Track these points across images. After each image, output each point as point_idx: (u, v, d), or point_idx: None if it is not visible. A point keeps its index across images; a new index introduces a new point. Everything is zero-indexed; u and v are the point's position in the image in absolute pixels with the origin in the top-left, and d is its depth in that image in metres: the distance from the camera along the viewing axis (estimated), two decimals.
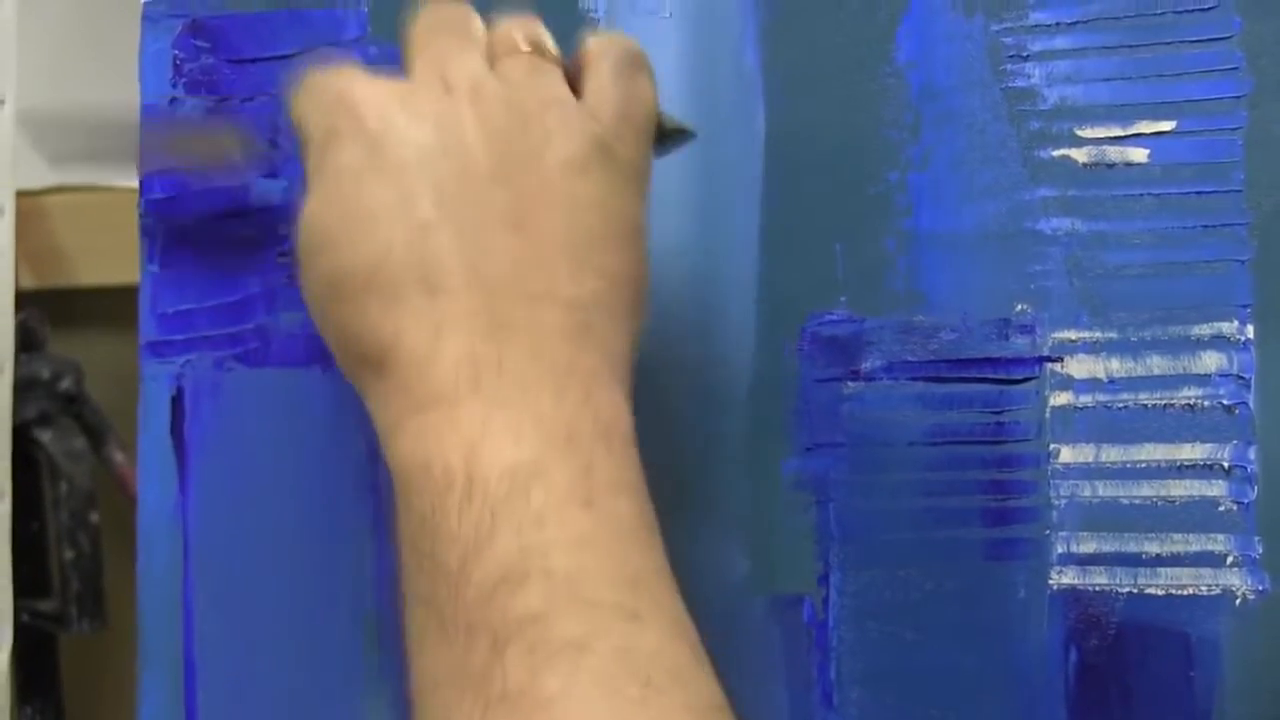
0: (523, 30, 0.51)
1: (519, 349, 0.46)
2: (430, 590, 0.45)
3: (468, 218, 0.47)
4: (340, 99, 0.49)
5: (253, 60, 0.64)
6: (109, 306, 0.88)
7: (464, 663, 0.43)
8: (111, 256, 0.84)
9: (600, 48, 0.52)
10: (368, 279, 0.47)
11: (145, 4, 0.66)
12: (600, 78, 0.51)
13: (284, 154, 0.64)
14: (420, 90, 0.49)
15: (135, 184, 0.66)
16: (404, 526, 0.46)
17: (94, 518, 1.00)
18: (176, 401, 0.64)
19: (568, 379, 0.46)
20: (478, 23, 0.52)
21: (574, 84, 0.51)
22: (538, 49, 0.51)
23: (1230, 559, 0.54)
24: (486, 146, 0.48)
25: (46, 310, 1.02)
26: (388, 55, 0.62)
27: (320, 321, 0.50)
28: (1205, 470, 0.54)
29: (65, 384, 1.02)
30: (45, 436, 1.00)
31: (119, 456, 1.02)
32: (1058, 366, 0.56)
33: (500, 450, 0.44)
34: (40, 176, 1.05)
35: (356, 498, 0.62)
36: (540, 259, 0.47)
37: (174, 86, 0.65)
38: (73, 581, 0.99)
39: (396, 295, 0.47)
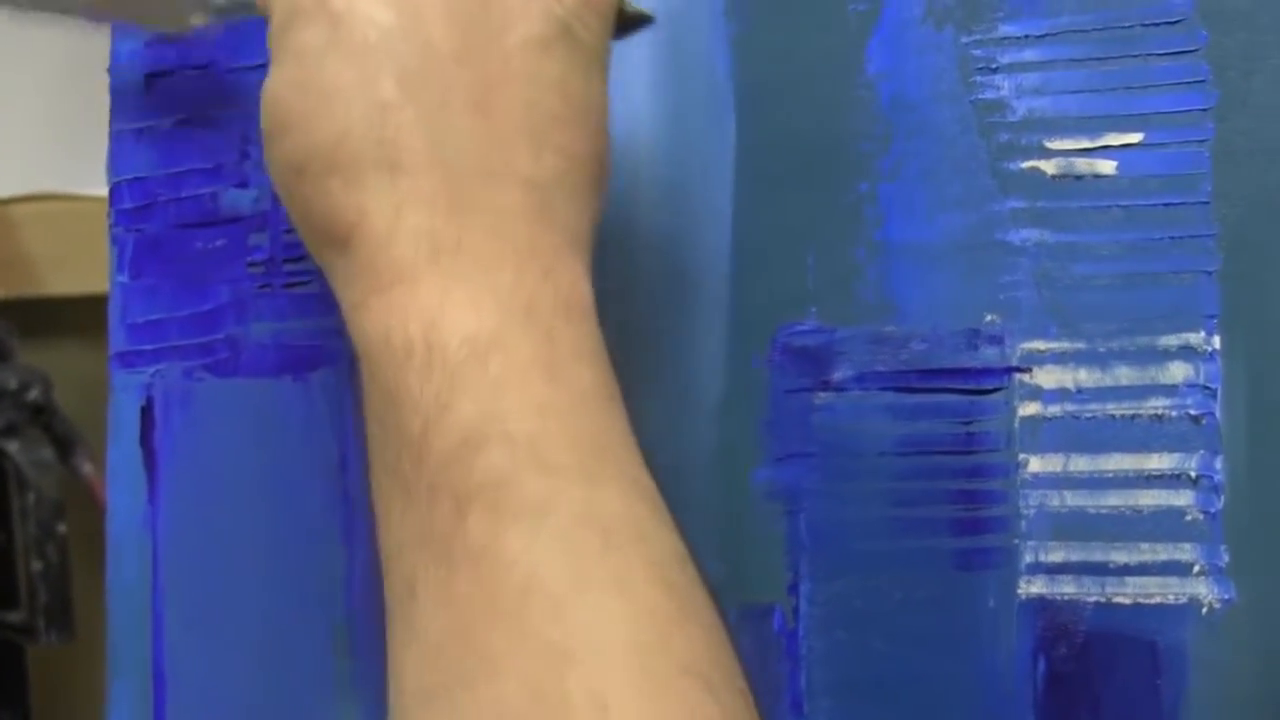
0: None
1: (479, 227, 0.47)
2: (395, 460, 0.45)
3: (429, 98, 0.47)
4: None
5: (225, 72, 0.64)
6: (78, 316, 0.88)
7: (427, 526, 0.44)
8: (80, 266, 0.85)
9: None
10: (330, 159, 0.48)
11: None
12: None
13: (254, 163, 0.64)
14: None
15: (105, 193, 0.66)
16: (368, 401, 0.47)
17: (62, 529, 1.00)
18: (146, 412, 0.64)
19: (527, 255, 0.47)
20: None
21: None
22: None
23: (1197, 568, 0.54)
24: (448, 26, 0.48)
25: (14, 320, 1.02)
26: None
27: (285, 201, 0.50)
28: (1172, 480, 0.55)
29: (33, 394, 1.02)
30: (13, 447, 1.00)
31: (87, 467, 1.02)
32: (1026, 377, 0.56)
33: (459, 321, 0.45)
34: (7, 185, 1.04)
35: (327, 507, 0.62)
36: (501, 138, 0.48)
37: (143, 103, 0.65)
38: (40, 593, 0.99)
39: (358, 175, 0.47)
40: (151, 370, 0.64)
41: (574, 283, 0.47)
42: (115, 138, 0.66)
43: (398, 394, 0.45)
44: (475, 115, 0.48)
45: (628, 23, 0.54)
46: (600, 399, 0.46)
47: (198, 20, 0.61)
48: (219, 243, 0.64)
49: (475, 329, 0.45)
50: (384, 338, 0.46)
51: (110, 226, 0.65)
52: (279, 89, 0.49)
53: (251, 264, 0.63)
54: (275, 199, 0.63)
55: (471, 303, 0.45)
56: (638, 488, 0.45)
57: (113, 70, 0.66)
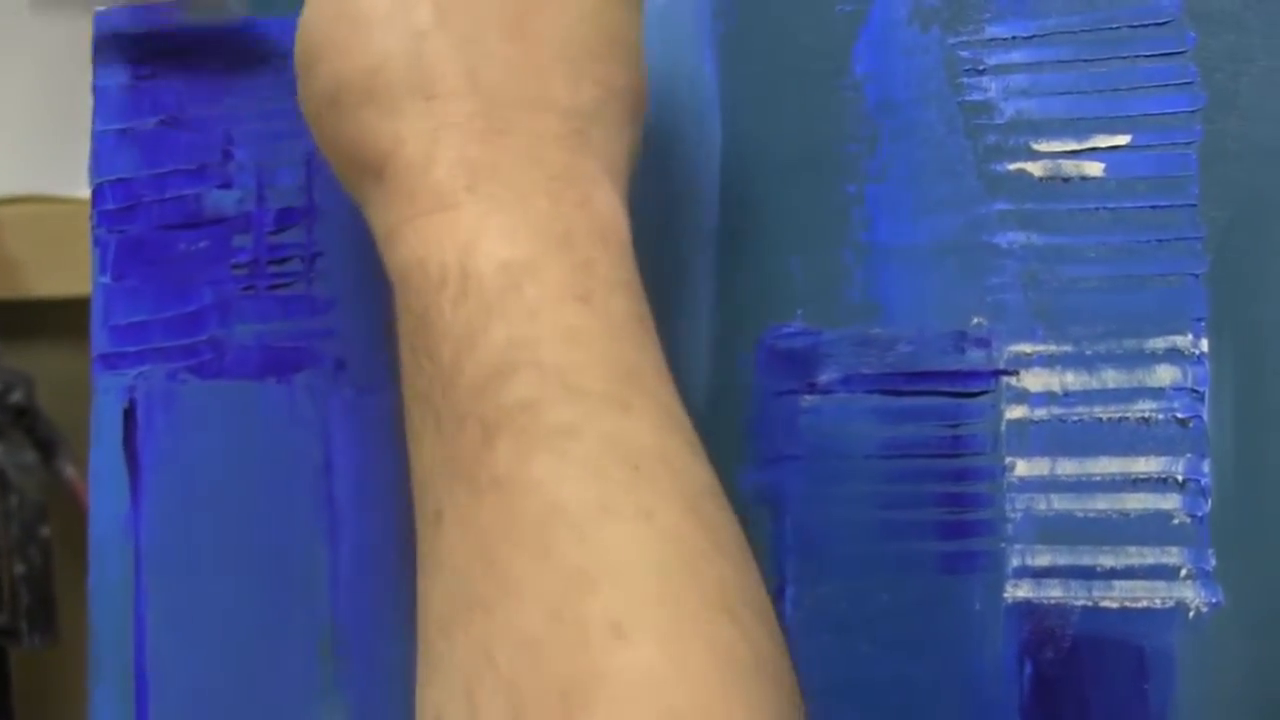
0: None
1: (515, 153, 0.46)
2: (425, 387, 0.45)
3: (465, 25, 0.47)
4: None
5: (208, 72, 0.64)
6: (60, 318, 0.88)
7: (455, 452, 0.43)
8: (63, 268, 0.84)
9: None
10: (365, 87, 0.47)
11: (96, 14, 0.66)
12: None
13: (237, 164, 0.63)
14: None
15: (87, 194, 0.65)
16: (401, 328, 0.47)
17: (45, 531, 0.99)
18: (129, 414, 0.64)
19: (564, 183, 0.47)
20: None
21: None
22: None
23: (1184, 572, 0.54)
24: None
25: None
26: None
27: (318, 133, 0.50)
28: (1159, 484, 0.54)
29: (16, 396, 1.01)
30: None
31: (70, 470, 1.02)
32: (1013, 380, 0.56)
33: (495, 248, 0.45)
34: None
35: (311, 510, 0.62)
36: (538, 67, 0.48)
37: (127, 103, 0.65)
38: (23, 596, 0.98)
39: (394, 102, 0.47)
40: (134, 372, 0.64)
41: (611, 212, 0.47)
42: (98, 138, 0.65)
43: (430, 320, 0.45)
44: (512, 43, 0.47)
45: None
46: (634, 328, 0.46)
47: (238, 5, 0.61)
48: (202, 244, 0.64)
49: (510, 256, 0.45)
50: (419, 264, 0.46)
51: (93, 228, 0.65)
52: (314, 19, 0.49)
53: (235, 266, 0.63)
54: (260, 200, 0.63)
55: (508, 230, 0.45)
56: (670, 417, 0.45)
57: (96, 70, 0.66)
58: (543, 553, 0.41)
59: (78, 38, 0.67)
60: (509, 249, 0.45)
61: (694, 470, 0.44)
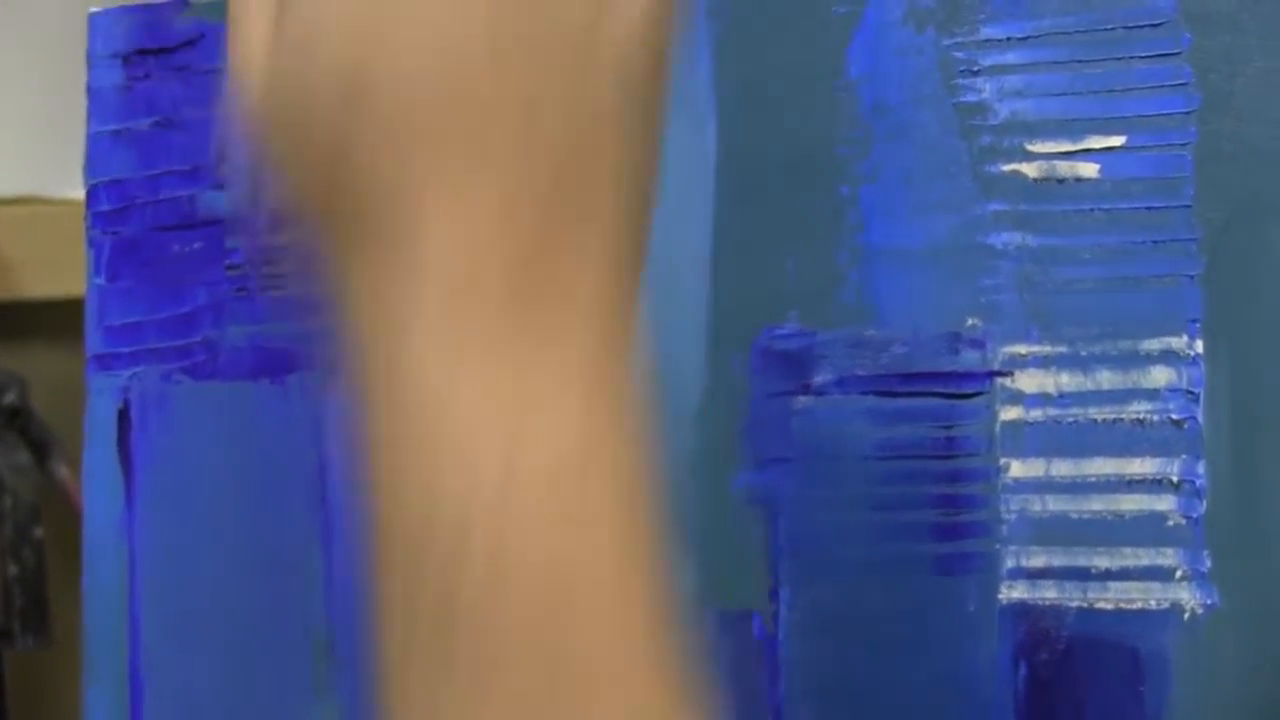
0: None
1: (563, 262, 0.37)
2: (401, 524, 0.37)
3: (522, 55, 0.36)
4: None
5: (203, 73, 0.64)
6: (54, 319, 0.88)
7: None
8: (57, 268, 0.84)
9: None
10: (389, 94, 0.35)
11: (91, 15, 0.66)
12: None
13: (232, 165, 0.63)
14: None
15: (82, 196, 0.65)
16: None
17: (38, 533, 0.99)
18: (123, 415, 0.64)
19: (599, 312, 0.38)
20: None
21: None
22: None
23: (1179, 573, 0.54)
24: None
25: None
26: None
27: (281, 142, 0.38)
28: (1154, 485, 0.54)
29: (9, 397, 1.01)
30: None
31: (64, 471, 1.02)
32: (1008, 381, 0.56)
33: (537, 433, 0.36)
34: None
35: (305, 510, 0.62)
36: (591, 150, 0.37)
37: (121, 105, 0.65)
38: (16, 597, 0.98)
39: (422, 126, 0.36)
40: (128, 373, 0.64)
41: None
42: (93, 140, 0.65)
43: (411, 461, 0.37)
44: (564, 94, 0.37)
45: None
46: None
47: None
48: (196, 245, 0.63)
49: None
50: (408, 370, 0.37)
51: (87, 229, 0.65)
52: None
53: (229, 267, 0.63)
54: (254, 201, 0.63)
55: (523, 383, 0.36)
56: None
57: (90, 72, 0.66)
58: None
59: (74, 38, 0.67)
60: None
61: None
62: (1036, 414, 0.56)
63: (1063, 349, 0.56)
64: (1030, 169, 0.56)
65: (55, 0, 1.05)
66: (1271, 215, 0.54)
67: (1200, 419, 0.54)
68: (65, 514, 0.99)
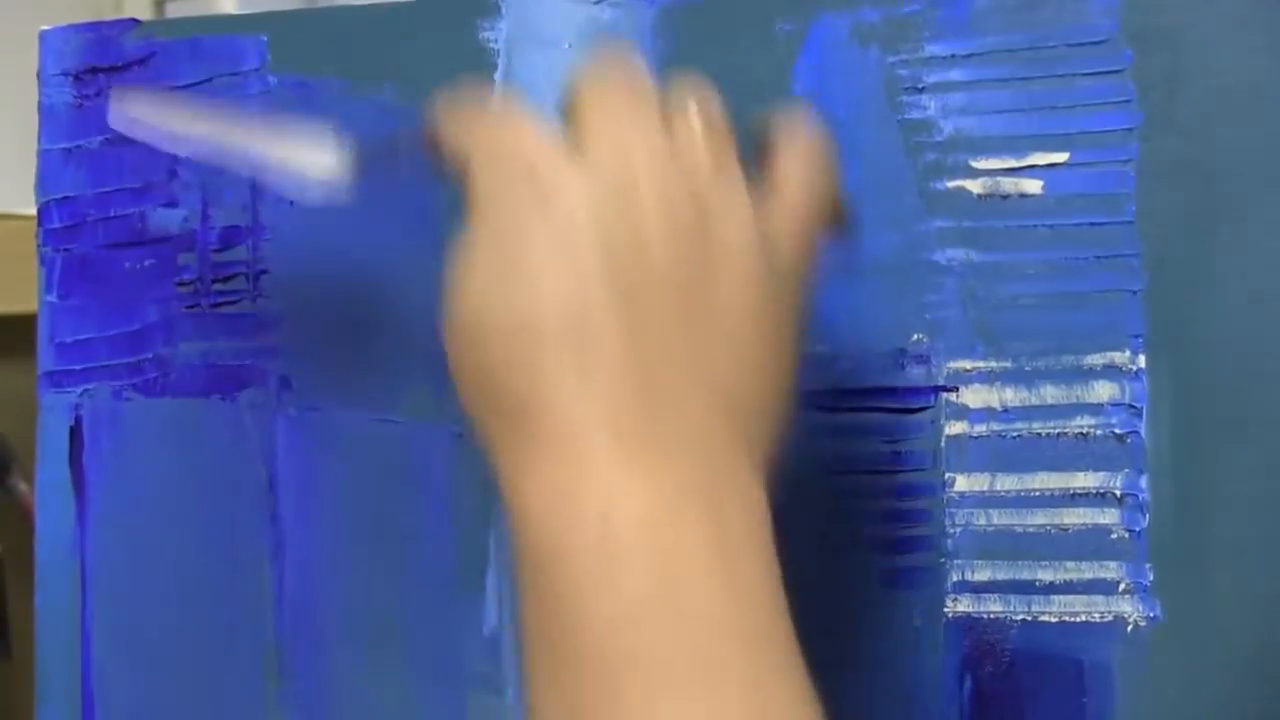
0: (699, 104, 0.48)
1: (664, 415, 0.45)
2: (546, 626, 0.44)
3: (632, 285, 0.45)
4: (515, 146, 0.47)
5: (155, 90, 0.64)
6: (9, 335, 0.88)
7: (577, 700, 0.43)
8: (11, 285, 0.84)
9: (796, 143, 0.50)
10: (519, 325, 0.45)
11: (42, 33, 0.66)
12: (792, 182, 0.49)
13: (182, 183, 0.63)
14: (598, 151, 0.47)
15: (34, 212, 0.65)
16: (522, 568, 0.45)
17: None
18: (75, 431, 0.64)
19: (710, 451, 0.45)
20: (652, 86, 0.48)
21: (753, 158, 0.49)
22: (711, 125, 0.48)
23: (1122, 586, 0.54)
24: (662, 230, 0.46)
25: None
26: (287, 85, 0.62)
27: (456, 361, 0.47)
28: (1098, 498, 0.55)
29: None
30: None
31: (23, 486, 1.02)
32: (953, 396, 0.56)
33: (636, 501, 0.44)
34: None
35: (255, 528, 0.62)
36: (700, 346, 0.46)
37: (72, 123, 0.65)
38: None
39: (543, 348, 0.45)
40: (80, 390, 0.64)
41: (752, 486, 0.46)
42: (44, 157, 0.65)
43: (557, 564, 0.44)
44: (676, 319, 0.46)
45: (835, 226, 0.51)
46: (769, 597, 0.45)
47: (320, 182, 0.56)
48: (147, 262, 0.63)
49: (650, 510, 0.44)
50: (551, 509, 0.44)
51: (39, 246, 0.65)
52: (474, 247, 0.47)
53: (180, 284, 0.63)
54: (205, 219, 0.63)
55: (651, 485, 0.44)
56: (801, 692, 0.44)
57: (41, 89, 0.66)
58: None
59: (31, 55, 0.67)
60: (648, 503, 0.44)
61: None
62: (981, 429, 0.56)
63: (1007, 364, 0.56)
64: (974, 185, 0.57)
65: (16, 18, 1.05)
66: (1213, 231, 0.54)
67: (1143, 433, 0.55)
68: (24, 530, 0.99)
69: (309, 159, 0.54)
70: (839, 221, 0.51)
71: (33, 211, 0.66)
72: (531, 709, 0.45)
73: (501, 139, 0.47)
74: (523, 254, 0.45)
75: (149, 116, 0.58)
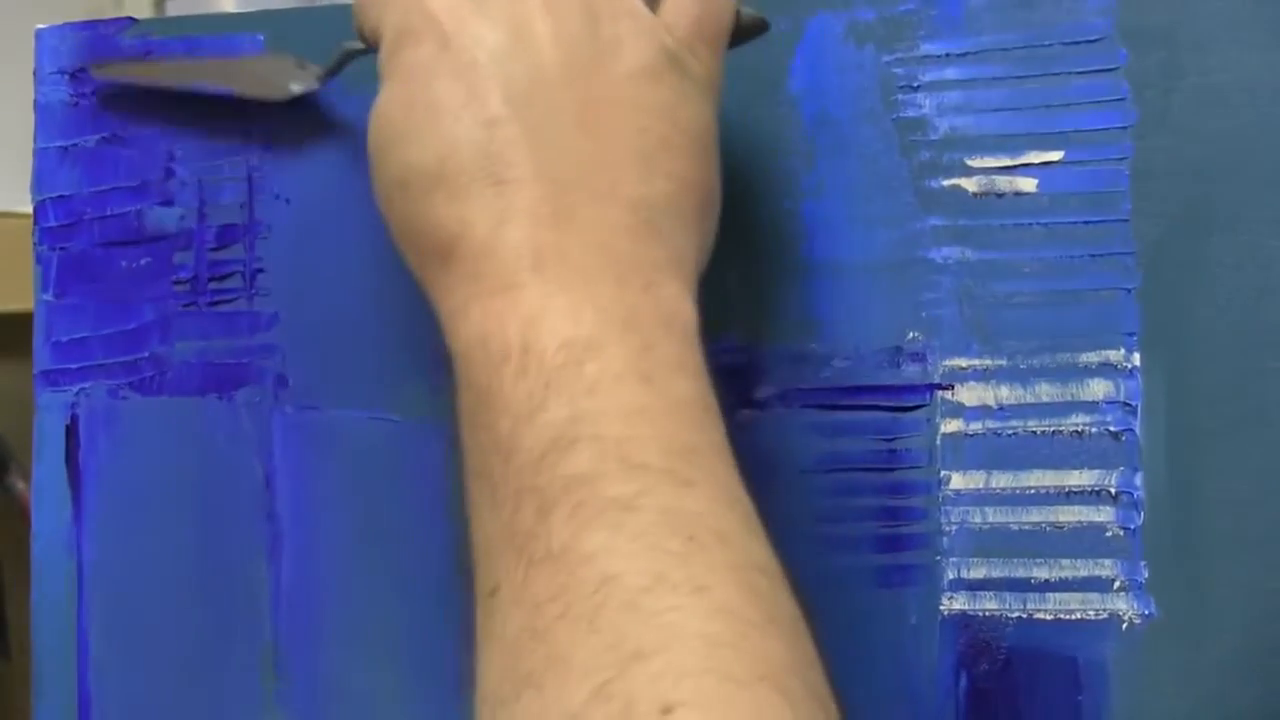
0: None
1: (582, 239, 0.47)
2: (483, 462, 0.46)
3: (536, 116, 0.48)
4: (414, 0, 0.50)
5: (148, 90, 0.64)
6: (5, 334, 0.88)
7: (511, 527, 0.44)
8: (6, 283, 0.84)
9: None
10: (436, 173, 0.48)
11: (38, 31, 0.66)
12: None
13: (179, 181, 0.63)
14: None
15: (30, 210, 0.65)
16: (461, 406, 0.47)
17: None
18: (71, 430, 0.64)
19: (630, 270, 0.47)
20: None
21: None
22: None
23: (1117, 584, 0.55)
24: (557, 50, 0.49)
25: None
26: None
27: (389, 217, 0.51)
28: (1093, 496, 0.55)
29: None
30: None
31: (20, 485, 1.02)
32: (948, 394, 0.56)
33: (558, 326, 0.45)
34: None
35: (252, 526, 0.62)
36: (607, 160, 0.48)
37: (68, 121, 0.65)
38: None
39: (463, 188, 0.48)
40: (76, 389, 0.64)
41: (676, 299, 0.47)
42: (40, 155, 0.65)
43: (490, 396, 0.45)
44: (582, 136, 0.48)
45: (744, 32, 0.54)
46: (695, 410, 0.46)
47: (297, 88, 0.61)
48: (143, 261, 0.64)
49: (573, 334, 0.45)
50: (480, 341, 0.46)
51: (35, 244, 0.65)
52: (387, 107, 0.50)
53: (176, 282, 0.63)
54: (201, 217, 0.63)
55: (571, 310, 0.46)
56: (728, 494, 0.45)
57: (38, 87, 0.66)
58: (591, 627, 0.41)
59: (29, 53, 0.67)
60: (572, 328, 0.45)
61: (750, 546, 0.44)
62: (976, 426, 0.56)
63: (1002, 362, 0.56)
64: (969, 184, 0.57)
65: (14, 15, 1.05)
66: (1207, 229, 0.54)
67: (1138, 431, 0.55)
68: (22, 529, 0.99)
69: (279, 73, 0.61)
70: (741, 25, 0.53)
71: (29, 210, 0.66)
72: (473, 535, 0.46)
73: None
74: (431, 103, 0.49)
75: (128, 74, 0.62)
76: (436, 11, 0.49)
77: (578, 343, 0.45)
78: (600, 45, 0.49)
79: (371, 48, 0.53)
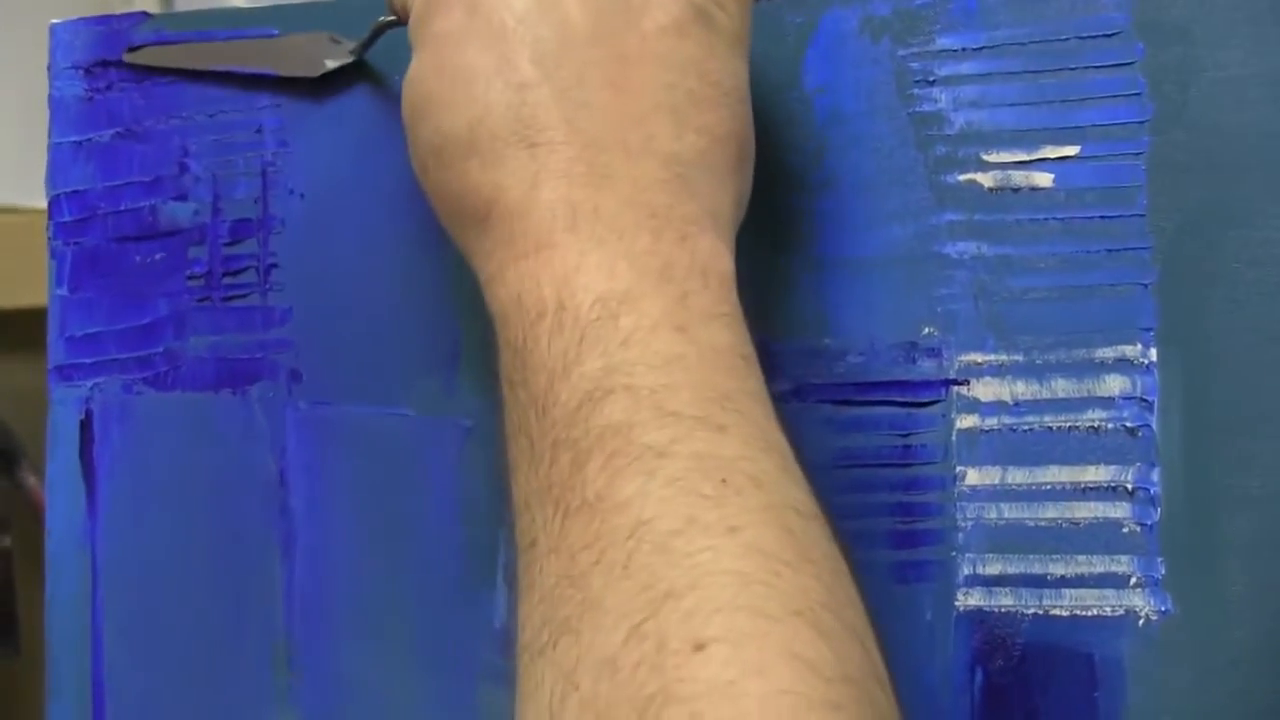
0: None
1: (616, 196, 0.47)
2: (520, 418, 0.46)
3: (566, 77, 0.48)
4: None
5: (164, 84, 0.64)
6: (20, 329, 0.88)
7: (548, 480, 0.44)
8: (22, 278, 0.84)
9: None
10: (469, 139, 0.49)
11: (52, 26, 0.66)
12: None
13: (193, 176, 0.63)
14: None
15: (44, 205, 0.65)
16: (501, 365, 0.48)
17: (6, 542, 0.99)
18: (85, 425, 0.64)
19: (664, 222, 0.47)
20: None
21: None
22: None
23: (1134, 580, 0.54)
24: (583, 9, 0.49)
25: None
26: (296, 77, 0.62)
27: (425, 184, 0.51)
28: (1109, 492, 0.55)
29: None
30: None
31: (31, 480, 1.02)
32: (964, 389, 0.56)
33: (592, 281, 0.46)
34: None
35: (265, 522, 0.62)
36: (639, 116, 0.48)
37: (83, 115, 0.65)
38: None
39: (496, 153, 0.48)
40: (90, 383, 0.64)
41: (712, 251, 0.48)
42: (54, 150, 0.65)
43: (526, 354, 0.46)
44: (612, 92, 0.48)
45: None
46: (731, 358, 0.46)
47: (332, 63, 0.61)
48: (158, 256, 0.64)
49: (608, 289, 0.45)
50: (516, 301, 0.47)
51: (49, 239, 0.65)
52: (419, 76, 0.51)
53: (191, 277, 0.63)
54: (215, 212, 0.63)
55: (606, 265, 0.46)
56: (763, 438, 0.45)
57: (52, 83, 0.66)
58: (625, 570, 0.41)
59: (43, 49, 0.67)
60: (606, 282, 0.46)
61: (784, 487, 0.44)
62: (992, 422, 0.56)
63: (1018, 357, 0.56)
64: (985, 179, 0.56)
65: (23, 9, 1.05)
66: (1223, 224, 0.54)
67: (1154, 427, 0.55)
68: (33, 524, 0.99)
69: (313, 49, 0.62)
70: None
71: (43, 205, 0.66)
72: (512, 491, 0.47)
73: None
74: (461, 69, 0.49)
75: (162, 61, 0.63)
76: None
77: (613, 296, 0.45)
78: (627, 2, 0.49)
79: (402, 20, 0.53)
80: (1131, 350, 0.55)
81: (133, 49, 0.64)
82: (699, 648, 0.39)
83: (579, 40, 0.49)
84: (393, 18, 0.55)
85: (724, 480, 0.42)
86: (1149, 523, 0.54)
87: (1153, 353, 0.55)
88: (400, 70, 0.52)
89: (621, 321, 0.45)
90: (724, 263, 0.48)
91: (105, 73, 0.65)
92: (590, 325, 0.45)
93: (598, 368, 0.44)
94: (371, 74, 0.62)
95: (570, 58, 0.48)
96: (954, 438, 0.56)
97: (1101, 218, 0.55)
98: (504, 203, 0.48)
